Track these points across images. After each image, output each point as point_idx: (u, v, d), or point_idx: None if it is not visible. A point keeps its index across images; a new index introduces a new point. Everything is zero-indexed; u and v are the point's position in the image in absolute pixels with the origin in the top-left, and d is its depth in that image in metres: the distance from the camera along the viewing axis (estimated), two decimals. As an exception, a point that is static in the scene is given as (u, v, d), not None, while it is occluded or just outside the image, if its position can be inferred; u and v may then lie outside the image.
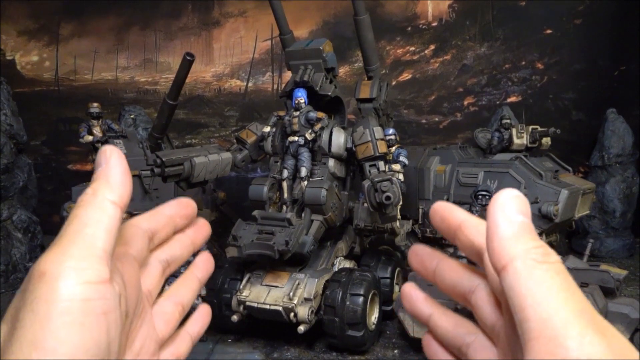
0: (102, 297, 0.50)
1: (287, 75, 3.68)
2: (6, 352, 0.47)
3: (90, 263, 0.50)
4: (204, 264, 0.77)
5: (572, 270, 2.80)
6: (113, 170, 0.58)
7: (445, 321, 0.65)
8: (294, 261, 3.08)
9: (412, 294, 0.68)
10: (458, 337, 0.63)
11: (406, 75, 6.28)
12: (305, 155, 3.23)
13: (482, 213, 2.81)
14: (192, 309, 2.66)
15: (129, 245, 0.64)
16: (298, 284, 2.94)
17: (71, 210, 0.55)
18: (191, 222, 0.74)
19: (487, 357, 0.60)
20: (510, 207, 0.53)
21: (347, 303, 2.88)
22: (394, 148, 3.62)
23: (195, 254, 0.78)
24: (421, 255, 0.67)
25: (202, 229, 0.75)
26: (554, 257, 0.50)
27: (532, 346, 0.47)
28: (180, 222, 0.71)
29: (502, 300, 0.57)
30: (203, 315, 0.76)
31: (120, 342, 0.54)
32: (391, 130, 3.64)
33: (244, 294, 2.98)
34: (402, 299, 0.69)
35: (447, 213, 0.62)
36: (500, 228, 0.52)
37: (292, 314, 2.87)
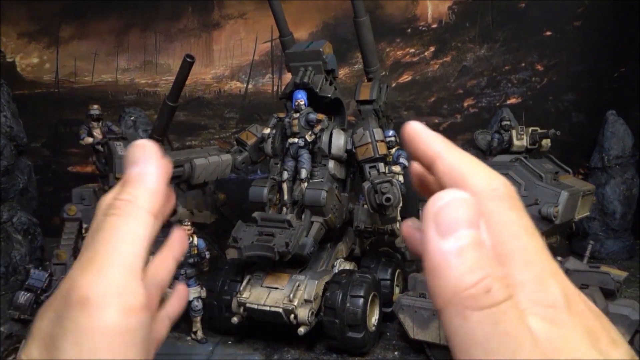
0: (142, 326, 0.48)
1: (287, 77, 3.68)
2: None
3: (131, 288, 0.47)
4: (178, 242, 0.70)
5: (572, 272, 2.81)
6: (155, 174, 0.52)
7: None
8: (294, 263, 3.08)
9: (411, 235, 0.54)
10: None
11: (406, 77, 6.28)
12: (305, 156, 3.23)
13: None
14: (192, 310, 2.67)
15: (157, 278, 0.62)
16: (298, 286, 2.94)
17: (95, 210, 0.51)
18: (172, 242, 0.69)
19: None
20: (443, 220, 0.41)
21: (348, 305, 2.88)
22: (394, 150, 3.63)
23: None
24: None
25: (181, 247, 0.69)
26: (496, 294, 0.38)
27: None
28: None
29: None
30: (180, 296, 0.72)
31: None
32: (391, 132, 3.65)
33: (244, 295, 2.98)
34: (405, 240, 0.56)
35: (421, 143, 0.50)
36: (429, 258, 0.41)
37: (292, 316, 2.86)
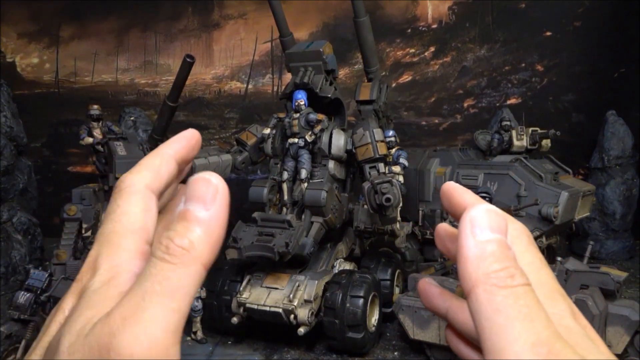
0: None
1: (287, 77, 3.68)
2: None
3: (172, 354, 0.42)
4: (191, 144, 0.60)
5: (572, 273, 2.81)
6: (219, 223, 0.46)
7: (463, 314, 0.62)
8: (294, 263, 3.08)
9: (428, 290, 0.67)
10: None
11: (406, 77, 6.28)
12: (305, 157, 3.23)
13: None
14: (192, 310, 2.66)
15: (150, 242, 0.53)
16: (298, 286, 2.94)
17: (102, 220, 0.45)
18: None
19: None
20: (479, 223, 0.49)
21: (347, 305, 2.88)
22: (394, 150, 3.62)
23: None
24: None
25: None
26: (518, 279, 0.47)
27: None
28: (185, 170, 0.59)
29: None
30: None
31: None
32: (391, 132, 3.65)
33: (244, 295, 2.98)
34: (420, 295, 0.68)
35: (455, 195, 0.58)
36: (465, 249, 0.49)
37: (292, 316, 2.86)
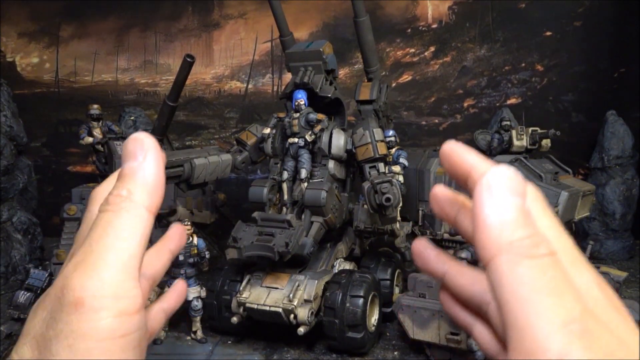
0: (137, 329, 0.47)
1: (287, 77, 3.68)
2: None
3: (127, 290, 0.46)
4: (176, 236, 0.69)
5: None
6: (152, 170, 0.50)
7: (462, 278, 0.58)
8: (294, 263, 3.08)
9: (424, 252, 0.62)
10: (476, 295, 0.56)
11: (406, 77, 6.28)
12: (305, 156, 3.23)
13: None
14: (192, 310, 2.67)
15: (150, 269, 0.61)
16: (298, 286, 2.94)
17: (89, 206, 0.49)
18: (171, 236, 0.68)
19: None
20: (498, 186, 0.45)
21: (347, 305, 2.88)
22: (393, 150, 3.62)
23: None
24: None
25: (179, 240, 0.69)
26: (543, 248, 0.43)
27: (511, 357, 0.42)
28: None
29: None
30: (178, 291, 0.71)
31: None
32: (391, 132, 3.65)
33: (243, 295, 2.98)
34: (414, 257, 0.63)
35: (455, 157, 0.53)
36: (483, 215, 0.45)
37: (292, 316, 2.86)
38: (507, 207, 0.45)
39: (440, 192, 0.58)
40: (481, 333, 0.56)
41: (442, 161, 0.56)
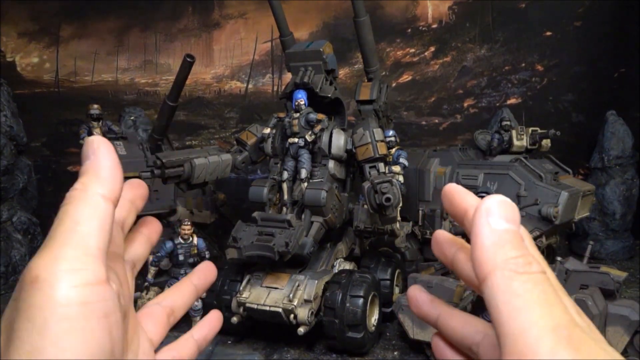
0: (101, 299, 0.47)
1: (287, 76, 3.68)
2: None
3: (85, 263, 0.47)
4: (204, 272, 0.74)
5: (571, 272, 2.81)
6: (102, 162, 0.54)
7: (454, 321, 0.63)
8: (294, 263, 3.07)
9: (418, 297, 0.67)
10: (467, 336, 0.61)
11: (406, 77, 6.28)
12: (305, 156, 3.23)
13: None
14: (192, 310, 2.67)
15: (112, 241, 0.60)
16: (298, 286, 2.93)
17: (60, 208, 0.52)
18: (143, 221, 0.70)
19: (498, 356, 0.56)
20: (495, 213, 0.51)
21: (347, 305, 2.88)
22: (394, 150, 3.62)
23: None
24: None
25: (154, 226, 0.71)
26: (535, 266, 0.48)
27: (505, 351, 0.45)
28: (139, 205, 0.68)
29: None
30: (211, 321, 0.74)
31: (122, 343, 0.52)
32: (391, 132, 3.64)
33: (243, 295, 2.98)
34: (409, 302, 0.68)
35: (456, 197, 0.59)
36: (482, 237, 0.50)
37: (292, 316, 2.86)
38: (502, 231, 0.50)
39: (441, 235, 0.63)
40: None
41: (443, 200, 0.61)
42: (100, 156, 0.55)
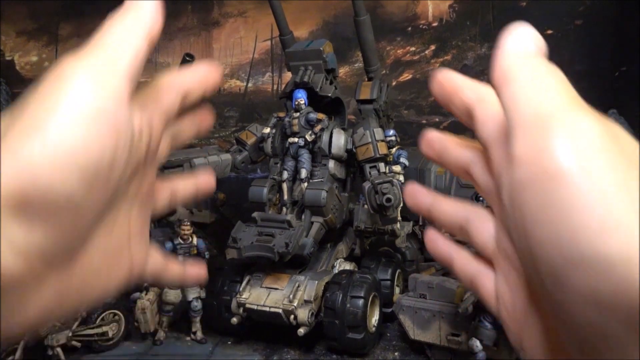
0: (116, 112, 0.47)
1: (287, 76, 3.67)
2: (5, 137, 0.41)
3: (109, 77, 0.48)
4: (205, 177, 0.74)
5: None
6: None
7: (445, 204, 0.64)
8: (294, 263, 3.06)
9: (414, 190, 0.68)
10: (457, 215, 0.61)
11: (406, 76, 6.27)
12: (305, 156, 3.21)
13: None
14: (192, 311, 2.65)
15: (161, 100, 0.59)
16: (298, 286, 2.92)
17: None
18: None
19: (486, 227, 0.57)
20: (522, 35, 0.50)
21: (348, 305, 2.87)
22: (394, 149, 3.60)
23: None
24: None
25: (208, 117, 0.72)
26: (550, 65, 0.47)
27: (516, 134, 0.44)
28: (209, 89, 0.66)
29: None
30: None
31: (124, 177, 0.49)
32: (392, 132, 3.63)
33: (243, 296, 2.97)
34: (405, 195, 0.68)
35: (446, 81, 0.59)
36: (507, 47, 0.50)
37: (292, 316, 2.85)
38: (527, 45, 0.50)
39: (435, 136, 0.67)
40: (462, 264, 0.61)
41: (431, 87, 0.60)
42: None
